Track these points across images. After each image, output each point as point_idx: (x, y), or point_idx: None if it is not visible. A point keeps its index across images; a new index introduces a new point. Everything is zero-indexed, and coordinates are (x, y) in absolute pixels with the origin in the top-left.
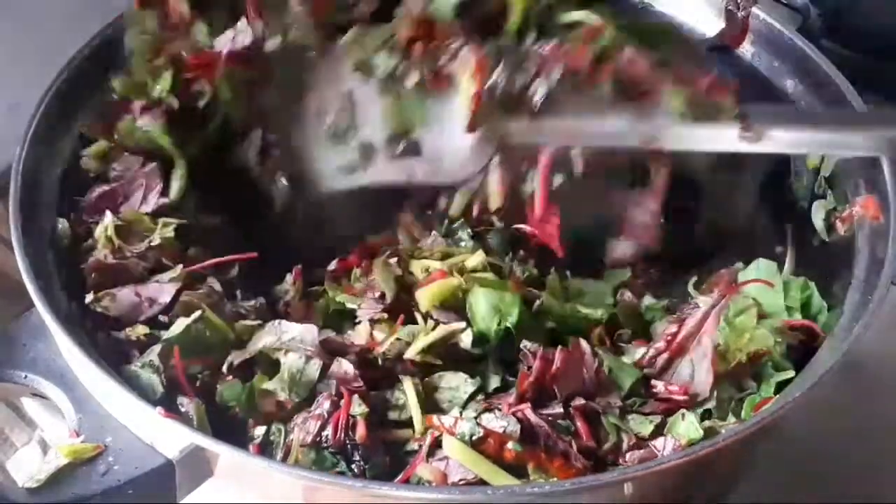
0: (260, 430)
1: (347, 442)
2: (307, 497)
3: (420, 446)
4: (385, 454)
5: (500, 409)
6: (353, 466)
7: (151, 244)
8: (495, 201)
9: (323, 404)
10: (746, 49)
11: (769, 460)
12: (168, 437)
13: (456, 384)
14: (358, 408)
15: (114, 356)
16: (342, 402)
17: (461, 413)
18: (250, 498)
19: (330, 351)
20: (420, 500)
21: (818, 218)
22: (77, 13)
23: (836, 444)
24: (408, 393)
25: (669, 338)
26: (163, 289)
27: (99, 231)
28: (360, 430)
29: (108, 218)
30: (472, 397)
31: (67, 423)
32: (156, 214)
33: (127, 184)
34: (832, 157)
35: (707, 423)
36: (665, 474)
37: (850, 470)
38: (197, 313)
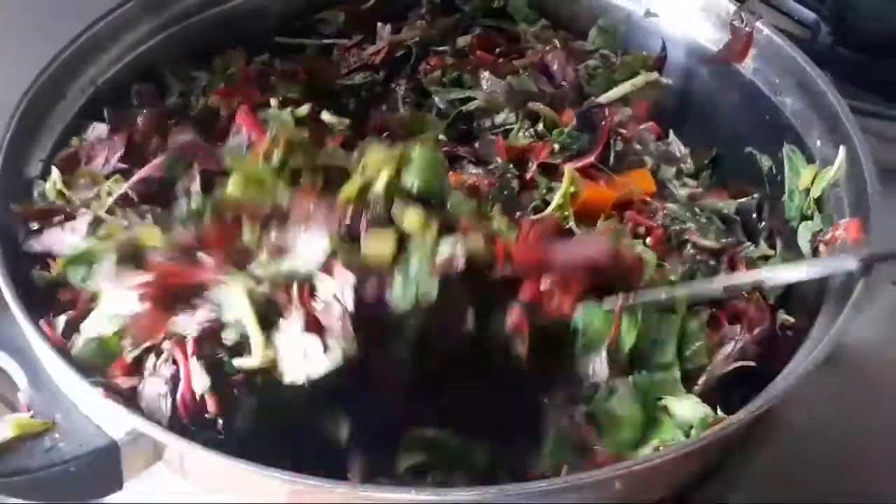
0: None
1: (205, 416)
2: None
3: None
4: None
5: None
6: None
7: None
8: None
9: (162, 374)
10: (748, 64)
11: (769, 460)
12: (113, 417)
13: None
14: (200, 380)
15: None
16: (181, 373)
17: None
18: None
19: None
20: (411, 502)
21: (804, 240)
22: (54, 14)
23: (836, 445)
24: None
25: None
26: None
27: (48, 186)
28: (212, 405)
29: (55, 173)
30: None
31: (21, 398)
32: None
33: (91, 147)
34: (823, 178)
35: None
36: (654, 471)
37: (851, 470)
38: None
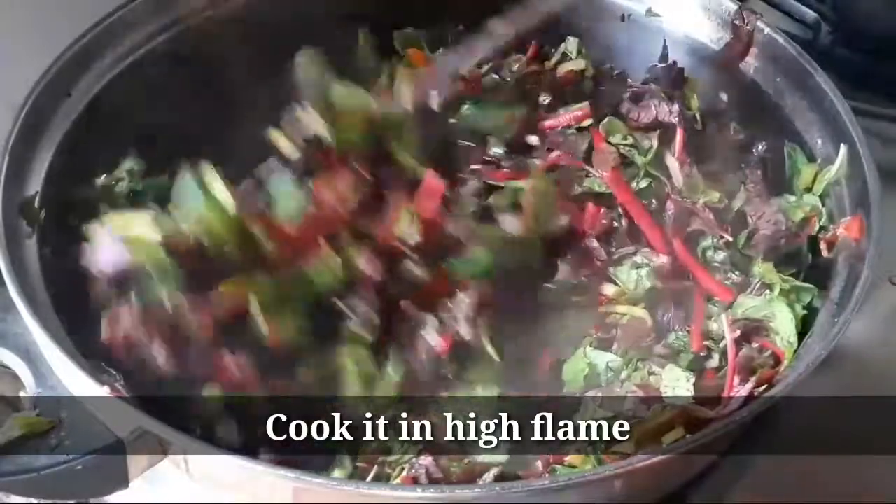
0: None
1: None
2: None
3: None
4: None
5: None
6: None
7: None
8: None
9: None
10: (750, 63)
11: (769, 460)
12: (119, 416)
13: None
14: None
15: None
16: None
17: None
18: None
19: None
20: (413, 500)
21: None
22: (57, 14)
23: (836, 445)
24: None
25: None
26: None
27: None
28: None
29: None
30: None
31: (26, 397)
32: None
33: None
34: (824, 177)
35: None
36: (654, 470)
37: (851, 470)
38: None
